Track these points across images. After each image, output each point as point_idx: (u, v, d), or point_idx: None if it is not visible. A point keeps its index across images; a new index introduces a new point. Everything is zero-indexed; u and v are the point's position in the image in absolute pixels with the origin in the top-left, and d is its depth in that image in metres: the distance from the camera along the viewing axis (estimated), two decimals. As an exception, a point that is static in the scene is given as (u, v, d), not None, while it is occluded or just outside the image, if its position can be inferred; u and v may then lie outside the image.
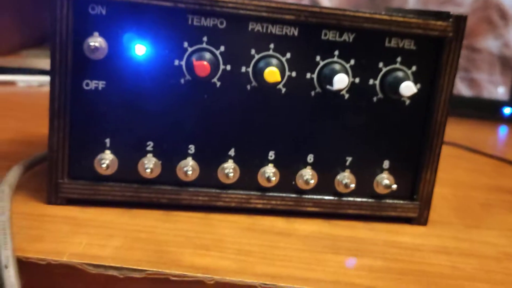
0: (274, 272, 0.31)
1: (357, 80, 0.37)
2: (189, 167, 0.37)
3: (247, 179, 0.38)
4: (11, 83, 0.76)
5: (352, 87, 0.37)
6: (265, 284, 0.29)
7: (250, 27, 0.35)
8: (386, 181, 0.38)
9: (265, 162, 0.38)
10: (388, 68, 0.37)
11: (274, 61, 0.36)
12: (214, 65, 0.35)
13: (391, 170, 0.39)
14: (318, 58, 0.36)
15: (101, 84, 0.35)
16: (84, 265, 0.29)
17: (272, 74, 0.34)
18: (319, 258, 0.33)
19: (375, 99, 0.38)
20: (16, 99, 0.67)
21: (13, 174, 0.35)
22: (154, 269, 0.29)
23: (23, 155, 0.43)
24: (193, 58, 0.34)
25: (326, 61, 0.36)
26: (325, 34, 0.36)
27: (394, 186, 0.38)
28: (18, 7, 0.93)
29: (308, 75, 0.37)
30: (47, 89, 0.75)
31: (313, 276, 0.31)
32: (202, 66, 0.34)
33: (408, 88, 0.36)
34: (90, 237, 0.32)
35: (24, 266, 0.29)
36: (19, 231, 0.31)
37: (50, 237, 0.32)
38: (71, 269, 0.29)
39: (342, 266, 0.32)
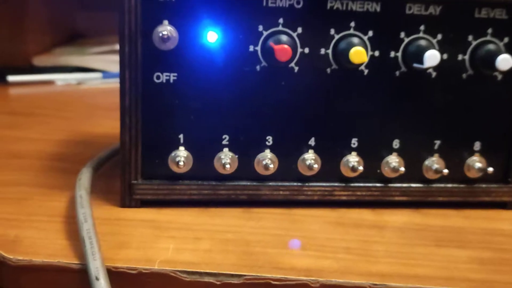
0: (380, 270, 0.28)
1: (445, 56, 0.34)
2: (268, 160, 0.34)
3: (330, 170, 0.35)
4: (50, 82, 0.74)
5: (439, 64, 0.34)
6: (375, 284, 0.27)
7: (329, 5, 0.33)
8: (479, 164, 0.35)
9: (348, 150, 0.35)
10: (478, 41, 0.34)
11: (356, 40, 0.33)
12: (292, 49, 0.32)
13: (482, 152, 0.36)
14: (402, 34, 0.33)
15: (172, 76, 0.33)
16: (177, 272, 0.27)
17: (358, 54, 0.32)
18: (423, 251, 0.30)
19: (464, 75, 0.35)
20: (58, 98, 0.65)
21: (86, 177, 0.33)
22: (253, 274, 0.27)
23: (83, 156, 0.41)
24: (271, 42, 0.32)
25: (411, 37, 0.33)
26: (410, 8, 0.33)
27: (490, 169, 0.35)
28: (49, 5, 0.91)
29: (392, 54, 0.34)
30: (85, 86, 0.74)
31: (423, 273, 0.28)
32: (283, 50, 0.31)
33: (505, 61, 0.33)
34: (176, 241, 0.30)
35: (114, 276, 0.27)
36: (101, 238, 0.29)
37: (135, 243, 0.30)
38: (164, 277, 0.27)
39: (450, 260, 0.30)
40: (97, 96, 0.68)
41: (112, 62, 0.81)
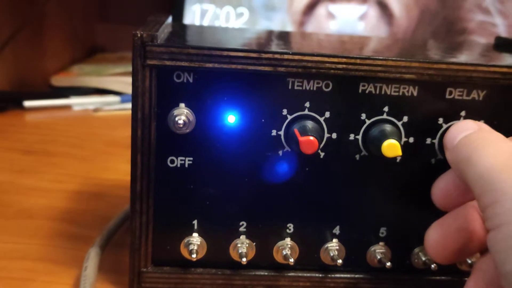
0: None
1: (486, 143, 0.31)
2: (288, 249, 0.32)
3: (355, 260, 0.32)
4: (66, 107, 0.72)
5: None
6: None
7: (361, 88, 0.30)
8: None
9: (376, 239, 0.32)
10: (525, 128, 0.31)
11: (388, 127, 0.30)
12: (318, 134, 0.30)
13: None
14: (440, 120, 0.30)
15: (187, 161, 0.30)
16: None
17: (392, 148, 0.29)
18: None
19: None
20: (74, 130, 0.63)
21: (91, 267, 0.31)
22: None
23: (95, 215, 0.40)
24: (296, 130, 0.29)
25: (449, 123, 0.31)
26: (450, 93, 0.30)
27: None
28: (69, 21, 0.89)
29: (429, 141, 0.31)
30: (102, 113, 0.72)
31: None
32: (309, 142, 0.28)
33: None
34: None
35: None
36: None
37: None
38: None
39: None
40: (114, 127, 0.65)
41: (130, 84, 0.79)
